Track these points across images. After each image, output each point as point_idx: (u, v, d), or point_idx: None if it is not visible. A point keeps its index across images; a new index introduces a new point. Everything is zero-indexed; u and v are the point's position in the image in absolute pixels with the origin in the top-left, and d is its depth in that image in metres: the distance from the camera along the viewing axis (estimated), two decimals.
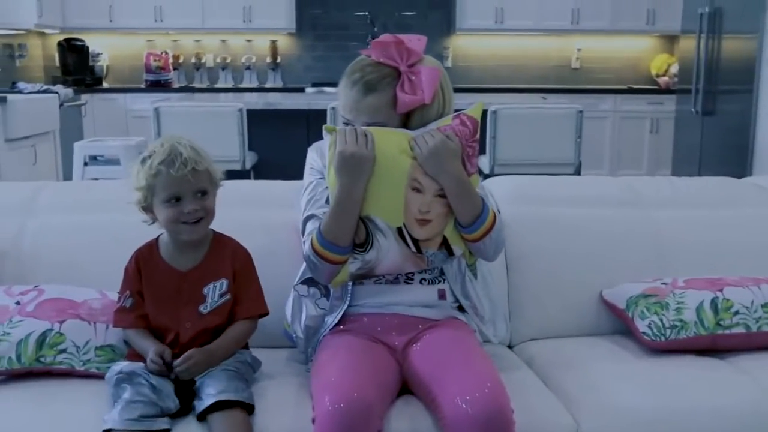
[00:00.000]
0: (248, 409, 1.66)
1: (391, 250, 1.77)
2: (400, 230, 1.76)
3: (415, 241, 1.78)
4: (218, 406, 1.61)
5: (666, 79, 7.71)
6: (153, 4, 7.27)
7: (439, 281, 1.90)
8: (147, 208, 1.79)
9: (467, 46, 7.85)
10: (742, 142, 5.39)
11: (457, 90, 6.66)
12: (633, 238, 2.26)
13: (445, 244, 1.80)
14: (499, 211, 1.98)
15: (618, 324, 2.13)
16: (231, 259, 1.84)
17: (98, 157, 4.45)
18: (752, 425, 1.74)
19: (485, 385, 1.57)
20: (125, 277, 1.85)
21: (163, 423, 1.62)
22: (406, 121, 1.84)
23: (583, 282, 2.19)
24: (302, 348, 1.91)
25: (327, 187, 1.84)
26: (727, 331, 1.94)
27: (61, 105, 6.18)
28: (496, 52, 7.91)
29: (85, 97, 6.91)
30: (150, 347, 1.72)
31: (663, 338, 1.93)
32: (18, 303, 1.91)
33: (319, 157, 1.94)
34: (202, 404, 1.63)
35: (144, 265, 1.83)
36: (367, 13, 7.46)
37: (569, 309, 2.18)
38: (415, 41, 1.84)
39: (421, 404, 1.70)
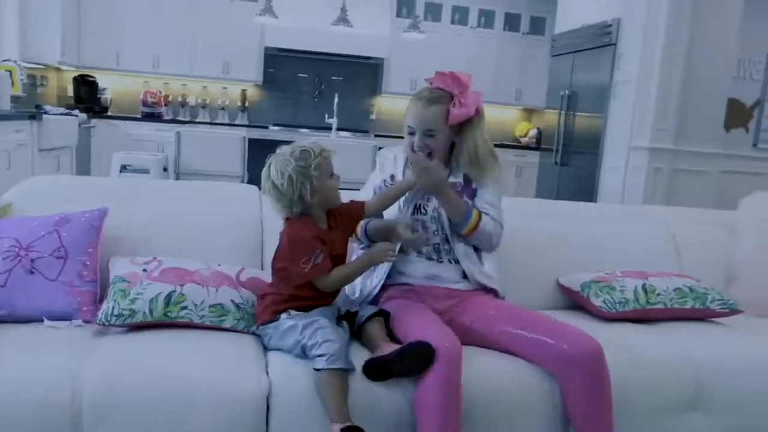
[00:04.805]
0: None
1: None
2: None
3: None
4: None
5: (526, 139, 8.09)
6: (152, 54, 6.95)
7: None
8: (315, 189, 1.71)
9: (389, 105, 7.93)
10: (589, 186, 5.77)
11: (380, 136, 6.80)
12: (576, 242, 2.40)
13: None
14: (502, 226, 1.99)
15: (569, 301, 2.25)
16: (335, 213, 1.82)
17: (128, 167, 4.23)
18: (667, 365, 1.90)
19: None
20: (305, 243, 1.71)
21: (351, 363, 1.61)
22: (455, 135, 1.91)
23: (546, 271, 2.30)
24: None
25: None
26: (652, 306, 2.11)
27: (78, 126, 5.84)
28: None
29: (94, 122, 6.51)
30: (374, 246, 1.78)
31: (615, 310, 2.08)
32: (145, 270, 1.84)
33: (379, 169, 2.05)
34: (361, 317, 1.76)
35: (315, 230, 1.75)
36: (316, 75, 7.58)
37: (537, 290, 2.28)
38: (465, 76, 1.89)
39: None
